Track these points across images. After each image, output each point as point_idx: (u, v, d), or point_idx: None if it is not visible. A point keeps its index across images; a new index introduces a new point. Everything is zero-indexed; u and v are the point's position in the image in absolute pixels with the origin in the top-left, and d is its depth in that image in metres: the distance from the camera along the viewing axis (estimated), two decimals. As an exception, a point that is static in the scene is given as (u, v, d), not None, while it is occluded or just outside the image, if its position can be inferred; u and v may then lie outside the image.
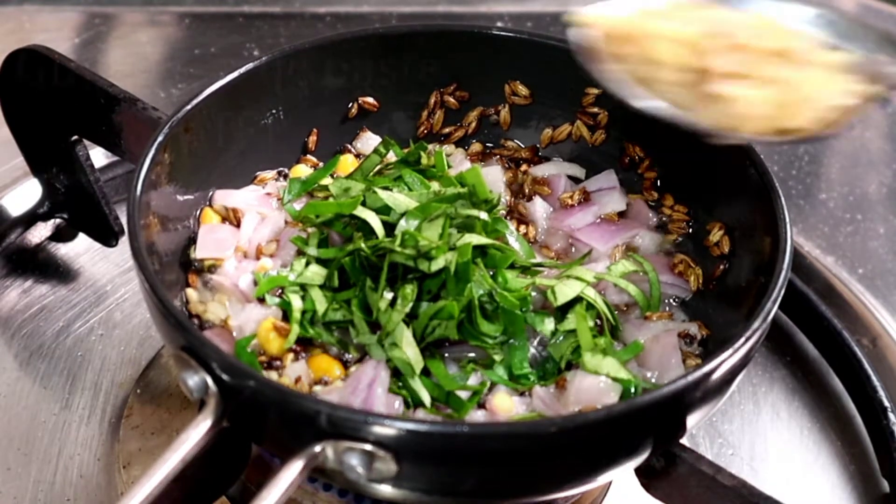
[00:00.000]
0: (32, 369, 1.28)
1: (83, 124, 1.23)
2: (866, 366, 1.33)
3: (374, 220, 1.07)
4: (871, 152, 1.73)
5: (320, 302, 1.04)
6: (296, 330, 1.03)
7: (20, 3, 1.81)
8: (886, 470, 1.26)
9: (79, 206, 1.34)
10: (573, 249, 1.19)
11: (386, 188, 1.12)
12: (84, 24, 1.80)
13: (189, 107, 1.10)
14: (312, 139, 1.25)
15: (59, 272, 1.40)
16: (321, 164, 1.24)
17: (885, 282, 1.47)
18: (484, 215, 1.09)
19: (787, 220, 1.05)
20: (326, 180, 1.18)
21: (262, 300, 1.06)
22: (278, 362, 1.03)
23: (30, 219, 1.40)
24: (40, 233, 1.42)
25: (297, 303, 1.04)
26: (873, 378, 1.32)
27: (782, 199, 1.07)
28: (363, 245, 1.04)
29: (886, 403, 1.29)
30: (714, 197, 1.18)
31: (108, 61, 1.75)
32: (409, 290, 1.02)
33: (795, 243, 1.48)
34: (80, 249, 1.43)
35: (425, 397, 0.99)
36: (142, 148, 1.06)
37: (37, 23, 1.79)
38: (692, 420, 0.96)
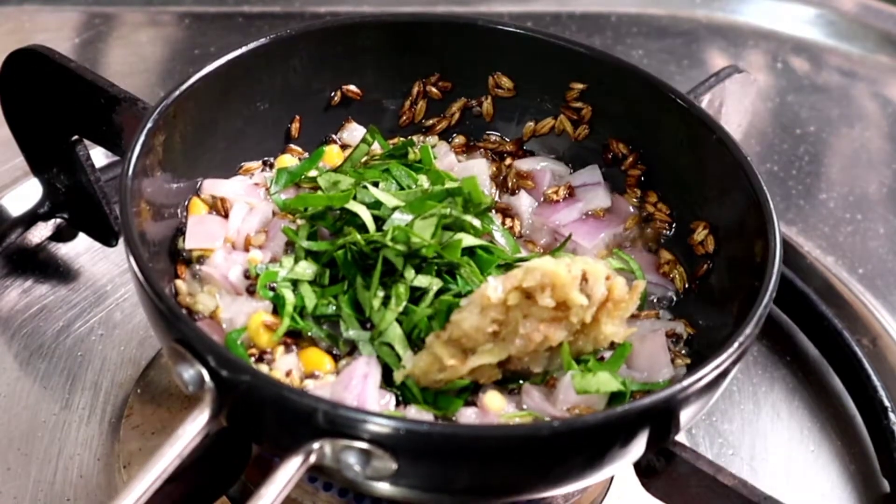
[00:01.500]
0: (32, 369, 1.28)
1: (83, 124, 1.23)
2: (866, 366, 1.33)
3: (366, 215, 1.07)
4: (871, 152, 1.73)
5: (310, 298, 1.04)
6: (286, 323, 1.02)
7: (20, 3, 1.81)
8: (886, 470, 1.26)
9: (79, 206, 1.33)
10: (558, 245, 1.19)
11: (375, 183, 1.12)
12: (84, 24, 1.80)
13: (177, 93, 1.10)
14: (295, 126, 1.24)
15: (59, 272, 1.40)
16: (306, 155, 1.23)
17: (885, 282, 1.47)
18: (477, 222, 1.10)
19: (776, 223, 1.05)
20: (313, 172, 1.18)
21: (252, 293, 1.06)
22: (268, 355, 1.02)
23: (30, 219, 1.39)
24: (40, 233, 1.42)
25: (290, 296, 1.04)
26: (873, 378, 1.32)
27: (770, 203, 1.07)
28: (359, 237, 1.04)
29: (886, 403, 1.30)
30: (699, 196, 1.18)
31: (108, 61, 1.75)
32: (403, 289, 1.02)
33: (795, 243, 1.49)
34: (80, 249, 1.42)
35: (419, 395, 1.00)
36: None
37: (37, 23, 1.79)
38: (684, 421, 0.97)
